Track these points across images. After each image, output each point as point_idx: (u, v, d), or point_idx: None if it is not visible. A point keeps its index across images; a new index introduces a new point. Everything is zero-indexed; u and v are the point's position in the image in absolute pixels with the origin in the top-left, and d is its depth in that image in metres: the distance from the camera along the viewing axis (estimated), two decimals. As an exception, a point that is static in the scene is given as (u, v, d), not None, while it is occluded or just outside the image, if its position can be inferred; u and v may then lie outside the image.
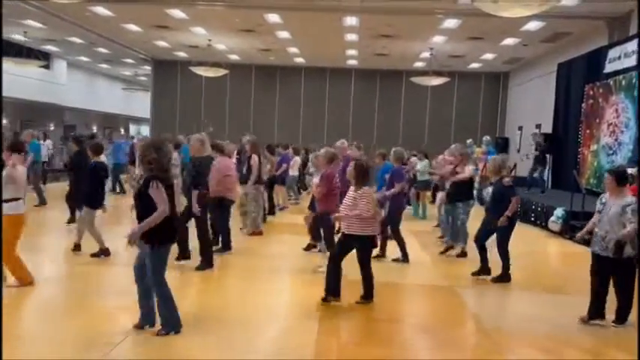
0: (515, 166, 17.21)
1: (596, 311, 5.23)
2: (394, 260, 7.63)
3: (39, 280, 5.87)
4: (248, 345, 4.58)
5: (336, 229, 8.87)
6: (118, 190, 14.54)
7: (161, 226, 4.33)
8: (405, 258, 7.65)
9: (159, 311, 4.52)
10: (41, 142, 16.22)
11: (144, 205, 4.36)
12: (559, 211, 10.51)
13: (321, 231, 6.96)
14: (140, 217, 4.39)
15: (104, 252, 7.20)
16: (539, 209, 11.77)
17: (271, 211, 11.78)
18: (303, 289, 6.28)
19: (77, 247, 7.34)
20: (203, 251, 6.84)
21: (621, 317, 5.18)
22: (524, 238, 10.66)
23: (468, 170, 8.06)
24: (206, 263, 6.80)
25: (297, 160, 13.92)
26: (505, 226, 6.62)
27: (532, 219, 11.95)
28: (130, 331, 4.57)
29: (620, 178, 5.12)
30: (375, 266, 6.42)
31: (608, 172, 5.30)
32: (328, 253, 6.79)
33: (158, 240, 4.37)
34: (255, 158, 9.02)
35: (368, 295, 5.66)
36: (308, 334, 4.80)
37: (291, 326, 5.14)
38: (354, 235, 5.53)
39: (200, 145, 6.99)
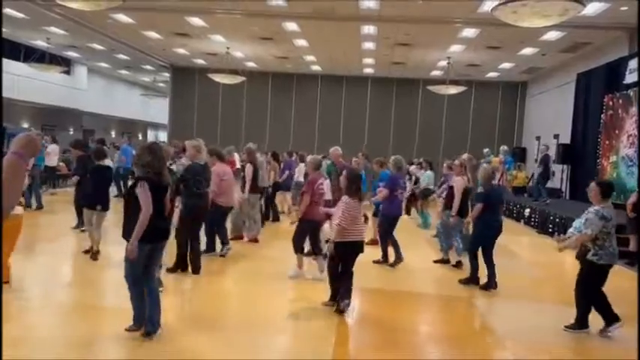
0: (532, 175, 17.08)
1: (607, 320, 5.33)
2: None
3: (46, 284, 5.95)
4: (267, 347, 4.61)
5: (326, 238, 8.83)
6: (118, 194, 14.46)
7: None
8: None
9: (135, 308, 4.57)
10: (47, 145, 16.35)
11: (131, 205, 4.45)
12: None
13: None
14: (128, 216, 4.47)
15: (93, 252, 7.26)
16: (557, 220, 11.65)
17: (275, 218, 11.73)
18: (316, 295, 6.26)
19: (92, 252, 7.34)
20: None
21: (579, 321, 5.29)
22: (541, 248, 10.60)
23: (455, 181, 8.03)
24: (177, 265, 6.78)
25: (302, 166, 13.90)
26: (481, 234, 6.82)
27: (550, 230, 11.84)
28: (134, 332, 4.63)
29: (606, 189, 5.30)
30: (385, 273, 6.46)
31: (595, 183, 5.40)
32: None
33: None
34: (248, 167, 9.02)
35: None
36: (324, 340, 4.81)
37: (306, 331, 5.15)
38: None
39: (195, 151, 6.90)
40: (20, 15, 15.41)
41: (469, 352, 4.87)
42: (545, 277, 8.20)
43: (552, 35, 14.14)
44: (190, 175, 6.71)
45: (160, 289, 5.20)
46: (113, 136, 31.63)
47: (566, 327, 5.33)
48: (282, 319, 5.41)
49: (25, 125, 22.94)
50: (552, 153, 15.70)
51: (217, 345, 4.60)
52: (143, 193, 4.36)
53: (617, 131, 13.35)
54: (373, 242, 8.54)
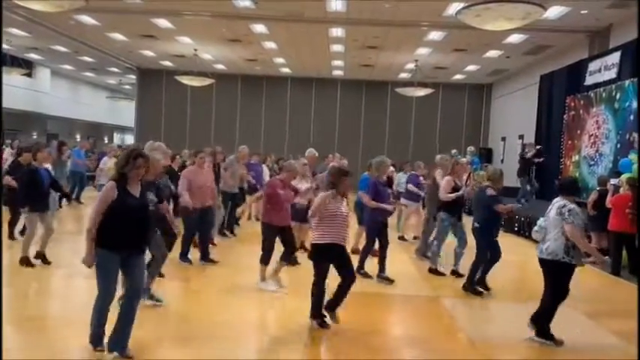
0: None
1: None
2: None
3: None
4: (238, 355, 4.58)
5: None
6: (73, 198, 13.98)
7: None
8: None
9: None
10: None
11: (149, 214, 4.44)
12: (541, 221, 10.60)
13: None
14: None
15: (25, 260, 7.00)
16: (522, 219, 11.90)
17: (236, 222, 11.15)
18: (288, 302, 6.25)
19: (38, 256, 7.10)
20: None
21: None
22: (507, 247, 10.78)
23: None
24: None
25: (263, 168, 13.62)
26: None
27: (515, 229, 12.09)
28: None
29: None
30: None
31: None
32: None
33: None
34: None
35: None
36: (296, 345, 4.80)
37: (278, 338, 5.14)
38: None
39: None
40: (-21, 16, 14.97)
41: (438, 353, 4.92)
42: (513, 276, 8.37)
43: (516, 38, 14.46)
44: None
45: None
46: (78, 139, 30.92)
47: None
48: (252, 324, 5.39)
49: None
50: (517, 153, 16.04)
51: (184, 356, 4.55)
52: None
53: (578, 131, 13.74)
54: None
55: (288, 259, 6.61)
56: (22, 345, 4.60)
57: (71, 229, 10.97)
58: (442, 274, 7.60)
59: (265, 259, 6.43)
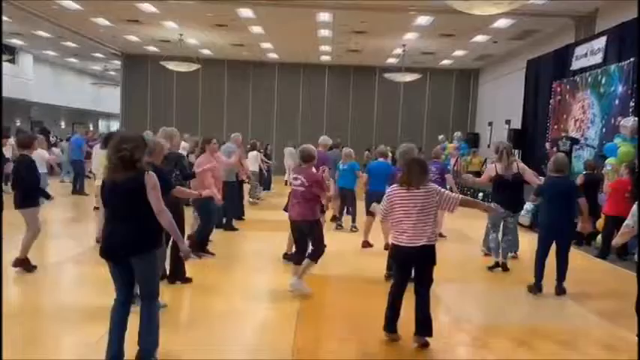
0: (485, 160, 17.53)
1: None
2: None
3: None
4: (227, 340, 4.59)
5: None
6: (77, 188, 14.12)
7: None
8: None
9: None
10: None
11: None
12: (528, 205, 10.71)
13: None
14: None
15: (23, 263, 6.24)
16: (509, 203, 11.98)
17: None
18: (278, 285, 6.27)
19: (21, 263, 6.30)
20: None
21: None
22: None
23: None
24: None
25: (253, 155, 13.56)
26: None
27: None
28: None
29: None
30: (348, 259, 6.42)
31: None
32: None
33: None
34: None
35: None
36: (286, 329, 4.82)
37: (269, 321, 5.16)
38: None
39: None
40: (-42, 0, 14.63)
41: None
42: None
43: (503, 23, 14.46)
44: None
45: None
46: (63, 127, 30.58)
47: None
48: (241, 310, 5.40)
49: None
50: (504, 138, 16.10)
51: (176, 339, 4.55)
52: None
53: (564, 116, 13.83)
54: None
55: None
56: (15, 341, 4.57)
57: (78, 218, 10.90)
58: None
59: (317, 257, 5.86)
